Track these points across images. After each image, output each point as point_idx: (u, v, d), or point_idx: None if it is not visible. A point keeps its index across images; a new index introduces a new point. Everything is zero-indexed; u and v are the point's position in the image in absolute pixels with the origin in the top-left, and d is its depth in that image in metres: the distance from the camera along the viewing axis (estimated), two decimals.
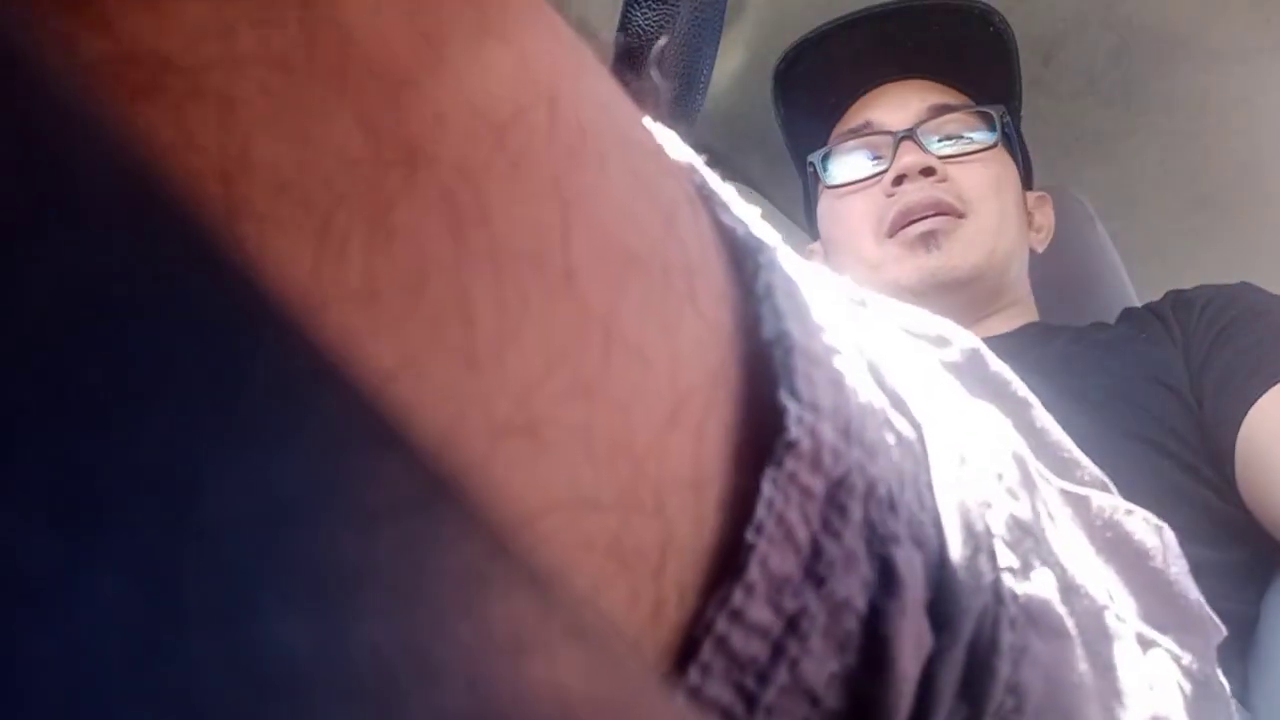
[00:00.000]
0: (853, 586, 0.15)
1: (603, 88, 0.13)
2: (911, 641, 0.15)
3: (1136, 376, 0.69)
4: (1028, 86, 0.99)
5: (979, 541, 0.18)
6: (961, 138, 0.82)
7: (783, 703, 0.14)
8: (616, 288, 0.12)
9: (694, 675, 0.13)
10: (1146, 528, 0.28)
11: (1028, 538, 0.21)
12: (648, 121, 0.14)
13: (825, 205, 0.87)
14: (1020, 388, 0.30)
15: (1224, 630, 0.28)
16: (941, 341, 0.29)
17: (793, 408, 0.14)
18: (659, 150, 0.14)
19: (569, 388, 0.12)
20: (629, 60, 0.41)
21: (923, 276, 0.76)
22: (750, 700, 0.14)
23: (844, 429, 0.15)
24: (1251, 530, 0.63)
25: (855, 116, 0.86)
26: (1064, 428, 0.65)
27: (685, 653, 0.13)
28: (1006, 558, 0.19)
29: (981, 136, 0.81)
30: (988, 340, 0.82)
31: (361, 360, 0.08)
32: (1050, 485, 0.26)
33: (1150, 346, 0.72)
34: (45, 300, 0.07)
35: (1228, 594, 0.59)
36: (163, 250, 0.08)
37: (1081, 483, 0.29)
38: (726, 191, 0.16)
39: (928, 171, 0.78)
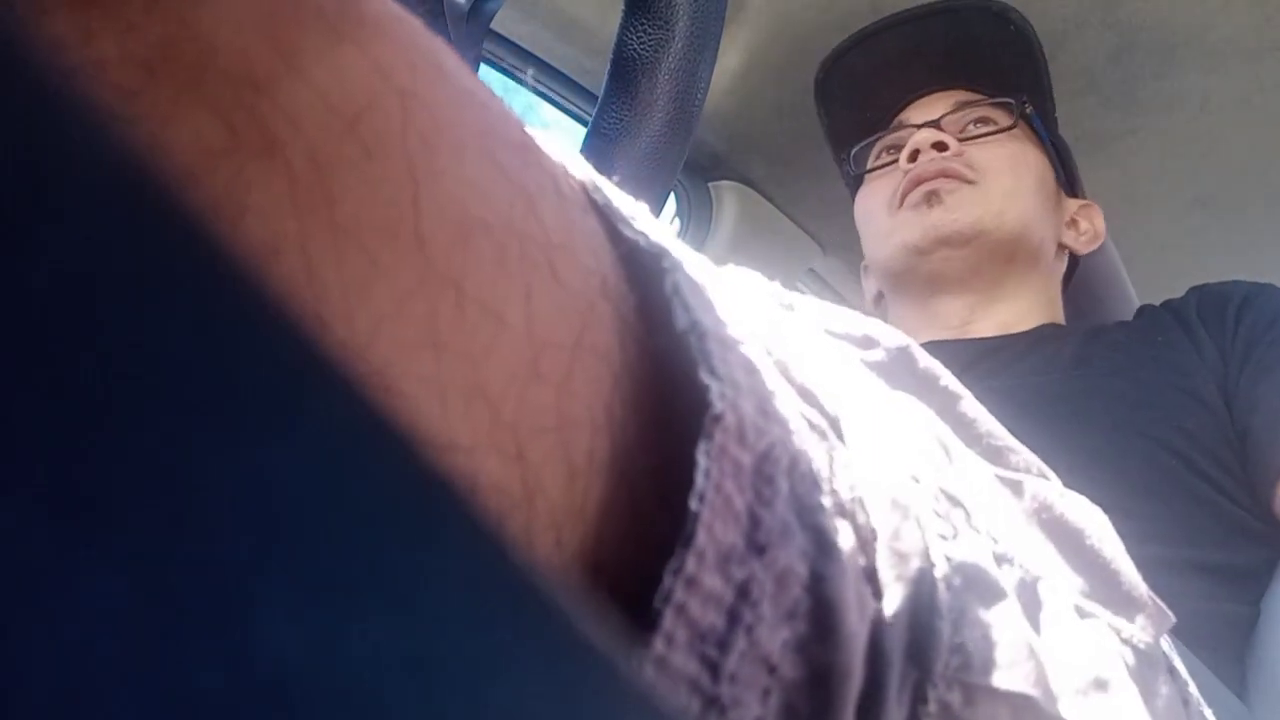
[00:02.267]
0: (792, 554, 0.15)
1: (463, 89, 0.15)
2: (855, 606, 0.16)
3: (1150, 378, 0.69)
4: None
5: (906, 511, 0.19)
6: (983, 124, 0.83)
7: (743, 671, 0.14)
8: (468, 254, 0.13)
9: (659, 645, 0.14)
10: (1082, 510, 0.29)
11: (956, 508, 0.21)
12: (521, 127, 0.16)
13: (859, 196, 0.90)
14: (951, 382, 0.31)
15: (1172, 617, 0.28)
16: (868, 342, 0.30)
17: (714, 385, 0.15)
18: (525, 148, 0.16)
19: (419, 340, 0.13)
20: (625, 82, 0.41)
21: (925, 230, 0.78)
22: (713, 670, 0.14)
23: (761, 407, 0.16)
24: (1257, 534, 0.63)
25: (893, 122, 0.89)
26: (1072, 426, 0.64)
27: (647, 626, 0.14)
28: (936, 524, 0.20)
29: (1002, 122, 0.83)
30: (1006, 337, 0.81)
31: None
32: (979, 468, 0.27)
33: (1168, 350, 0.72)
34: (43, 299, 0.07)
35: (1231, 595, 0.59)
36: (160, 247, 0.08)
37: (1015, 469, 0.29)
38: (630, 208, 0.17)
39: (940, 146, 0.80)
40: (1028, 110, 0.84)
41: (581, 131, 0.44)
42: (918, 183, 0.79)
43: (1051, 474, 0.30)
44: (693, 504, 0.14)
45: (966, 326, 0.82)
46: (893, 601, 0.17)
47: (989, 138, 0.82)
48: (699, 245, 1.15)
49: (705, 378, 0.15)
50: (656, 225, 0.17)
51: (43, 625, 0.06)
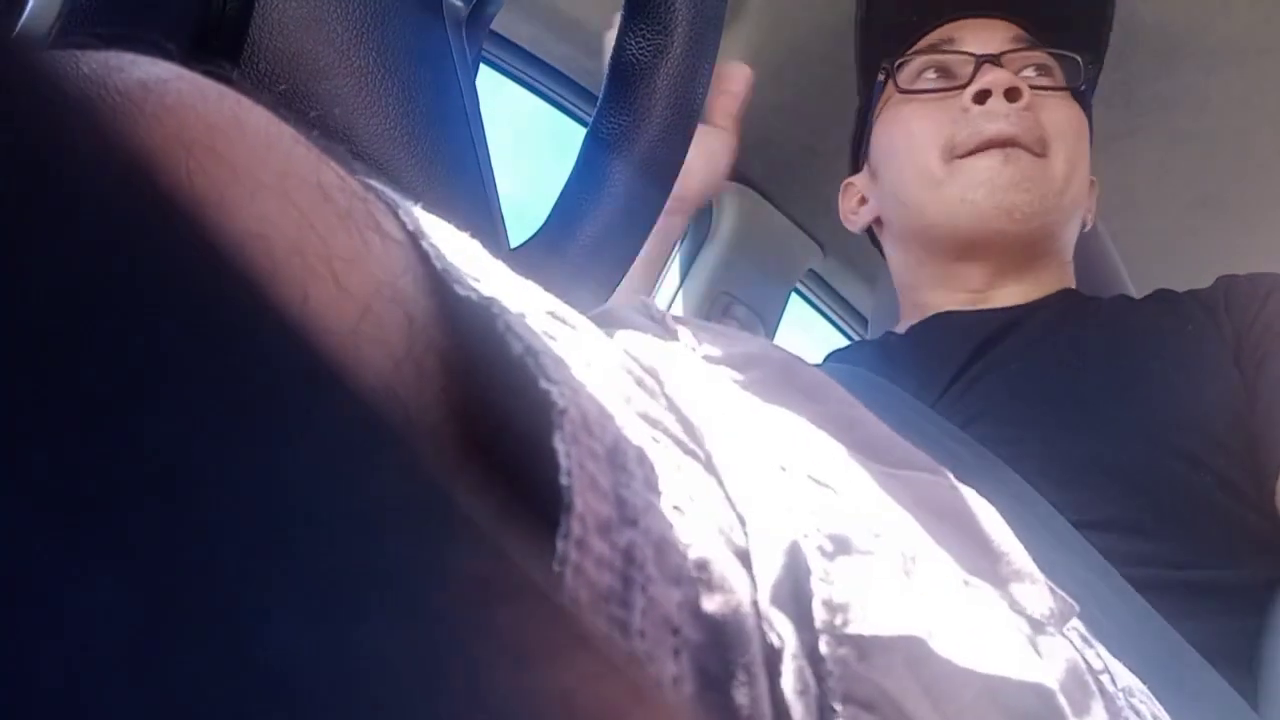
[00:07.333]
0: (663, 525, 0.17)
1: (260, 143, 0.18)
2: (734, 574, 0.17)
3: (1180, 381, 0.64)
4: None
5: (770, 492, 0.20)
6: (1048, 73, 0.77)
7: (650, 629, 0.15)
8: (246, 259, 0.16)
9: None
10: (969, 502, 0.29)
11: (825, 489, 0.23)
12: (326, 172, 0.19)
13: (891, 114, 0.81)
14: (837, 390, 0.33)
15: (1075, 606, 0.27)
16: (748, 361, 0.32)
17: (553, 388, 0.17)
18: (321, 187, 0.18)
19: None
20: (624, 87, 0.41)
21: (996, 204, 0.71)
22: (623, 627, 0.15)
23: (602, 409, 0.18)
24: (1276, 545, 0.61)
25: (937, 36, 0.80)
26: (1091, 427, 0.62)
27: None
28: (805, 502, 0.21)
29: (1068, 77, 0.77)
30: (1025, 307, 0.76)
31: None
32: (860, 464, 0.27)
33: (1198, 343, 0.67)
34: (46, 300, 0.07)
35: (1248, 609, 0.57)
36: (162, 250, 0.08)
37: (904, 466, 0.30)
38: (470, 266, 0.20)
39: (1013, 94, 0.72)
40: (1090, 71, 0.77)
41: (581, 132, 0.44)
42: (989, 143, 0.71)
43: (945, 473, 0.30)
44: (563, 479, 0.15)
45: (984, 294, 0.77)
46: (767, 573, 0.18)
47: (1057, 93, 0.74)
48: (699, 246, 1.15)
49: (545, 385, 0.17)
50: (497, 276, 0.20)
51: (43, 625, 0.06)
